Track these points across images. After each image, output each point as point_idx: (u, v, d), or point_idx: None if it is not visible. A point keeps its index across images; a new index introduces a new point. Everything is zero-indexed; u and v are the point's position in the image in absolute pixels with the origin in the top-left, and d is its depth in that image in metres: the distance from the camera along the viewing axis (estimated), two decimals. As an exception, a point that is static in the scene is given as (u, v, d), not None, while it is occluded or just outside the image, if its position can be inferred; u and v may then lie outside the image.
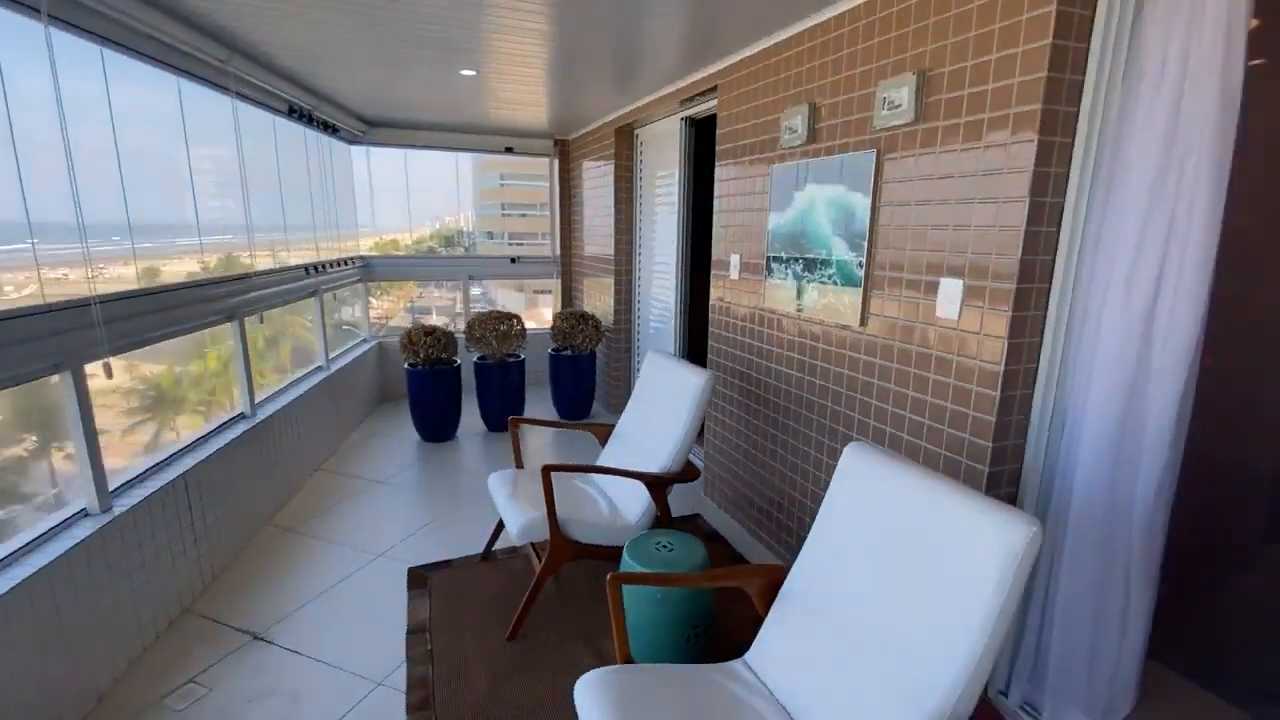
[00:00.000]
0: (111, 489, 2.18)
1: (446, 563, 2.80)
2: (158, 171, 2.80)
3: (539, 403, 5.21)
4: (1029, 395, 1.80)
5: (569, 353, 4.77)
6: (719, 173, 3.14)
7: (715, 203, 3.18)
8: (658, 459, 2.47)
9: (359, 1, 2.28)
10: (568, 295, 6.00)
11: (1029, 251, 1.69)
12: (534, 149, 5.60)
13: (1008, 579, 1.19)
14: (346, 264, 4.80)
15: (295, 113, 3.82)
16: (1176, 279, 1.56)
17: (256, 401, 3.23)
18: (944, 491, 1.40)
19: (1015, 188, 1.67)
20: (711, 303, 3.30)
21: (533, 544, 2.49)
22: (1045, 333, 1.76)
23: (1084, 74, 1.61)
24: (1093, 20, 1.58)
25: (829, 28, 2.30)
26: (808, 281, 2.48)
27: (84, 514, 2.07)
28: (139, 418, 2.86)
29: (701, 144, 3.90)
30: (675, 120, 3.85)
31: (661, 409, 2.60)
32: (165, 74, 2.63)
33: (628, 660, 1.57)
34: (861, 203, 2.17)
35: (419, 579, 2.67)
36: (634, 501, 2.46)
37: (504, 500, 2.47)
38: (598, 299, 5.20)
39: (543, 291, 7.05)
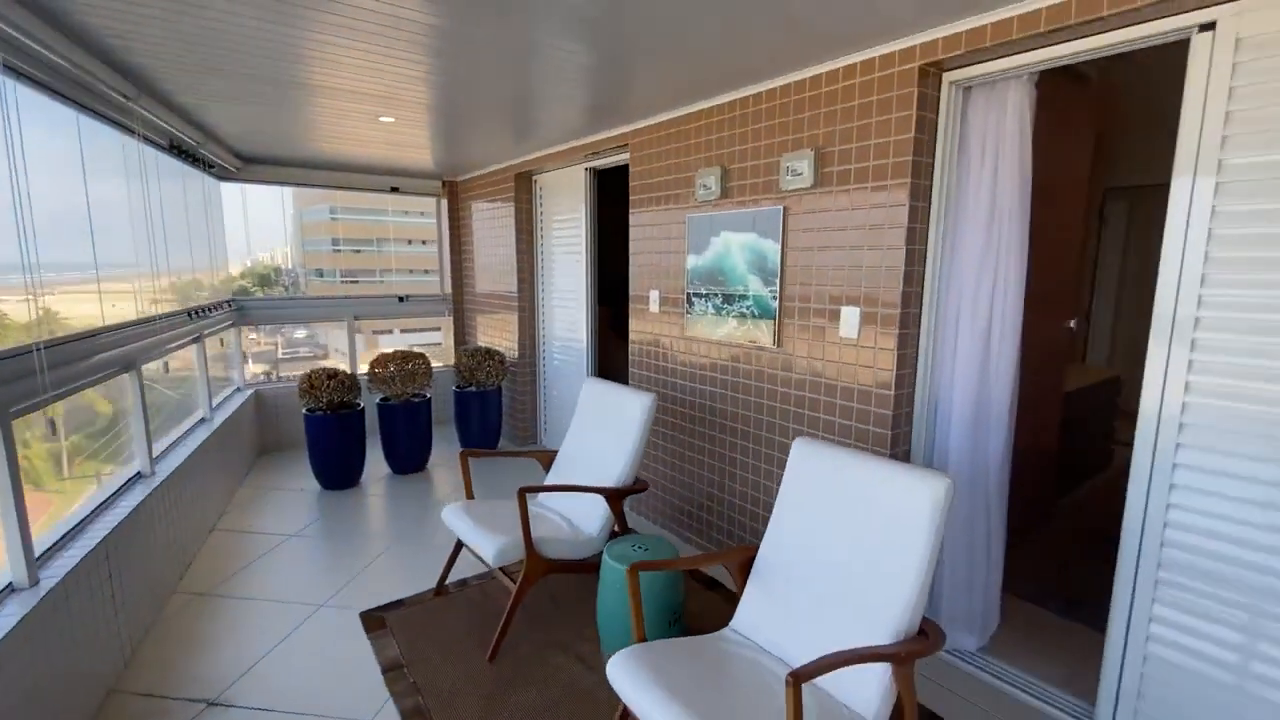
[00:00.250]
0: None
1: (399, 602, 2.78)
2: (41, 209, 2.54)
3: (443, 441, 5.16)
4: (912, 392, 2.37)
5: (474, 389, 4.83)
6: (634, 218, 3.53)
7: (631, 245, 3.56)
8: (612, 475, 2.73)
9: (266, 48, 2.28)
10: (461, 333, 6.01)
11: (907, 285, 2.26)
12: (422, 189, 5.63)
13: (937, 520, 1.65)
14: (218, 307, 4.46)
15: (176, 148, 3.59)
16: (1002, 305, 2.21)
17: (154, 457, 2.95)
18: (875, 464, 1.85)
19: (895, 239, 2.24)
20: (632, 334, 3.65)
21: (501, 568, 2.61)
22: (920, 345, 2.35)
23: (934, 156, 2.23)
24: (938, 118, 2.21)
25: (736, 107, 2.81)
26: (727, 313, 2.93)
27: (10, 589, 1.85)
28: None
29: (603, 190, 4.30)
30: (579, 170, 4.20)
31: (609, 430, 2.87)
32: (63, 108, 2.45)
33: (643, 639, 1.81)
34: (773, 248, 2.67)
35: (375, 621, 2.64)
36: (592, 517, 2.69)
37: (468, 529, 2.56)
38: (497, 335, 5.32)
39: (383, 332, 6.68)
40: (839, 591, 1.81)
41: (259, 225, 5.42)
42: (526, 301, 4.95)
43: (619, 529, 2.71)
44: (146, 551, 2.60)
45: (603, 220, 4.32)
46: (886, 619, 1.67)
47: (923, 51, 2.10)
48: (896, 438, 2.35)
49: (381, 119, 3.36)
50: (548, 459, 3.14)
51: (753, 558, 2.05)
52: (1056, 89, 2.54)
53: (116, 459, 2.88)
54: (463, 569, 3.05)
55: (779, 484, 2.76)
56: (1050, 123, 2.34)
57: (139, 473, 2.86)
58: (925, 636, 1.64)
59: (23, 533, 1.87)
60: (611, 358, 5.07)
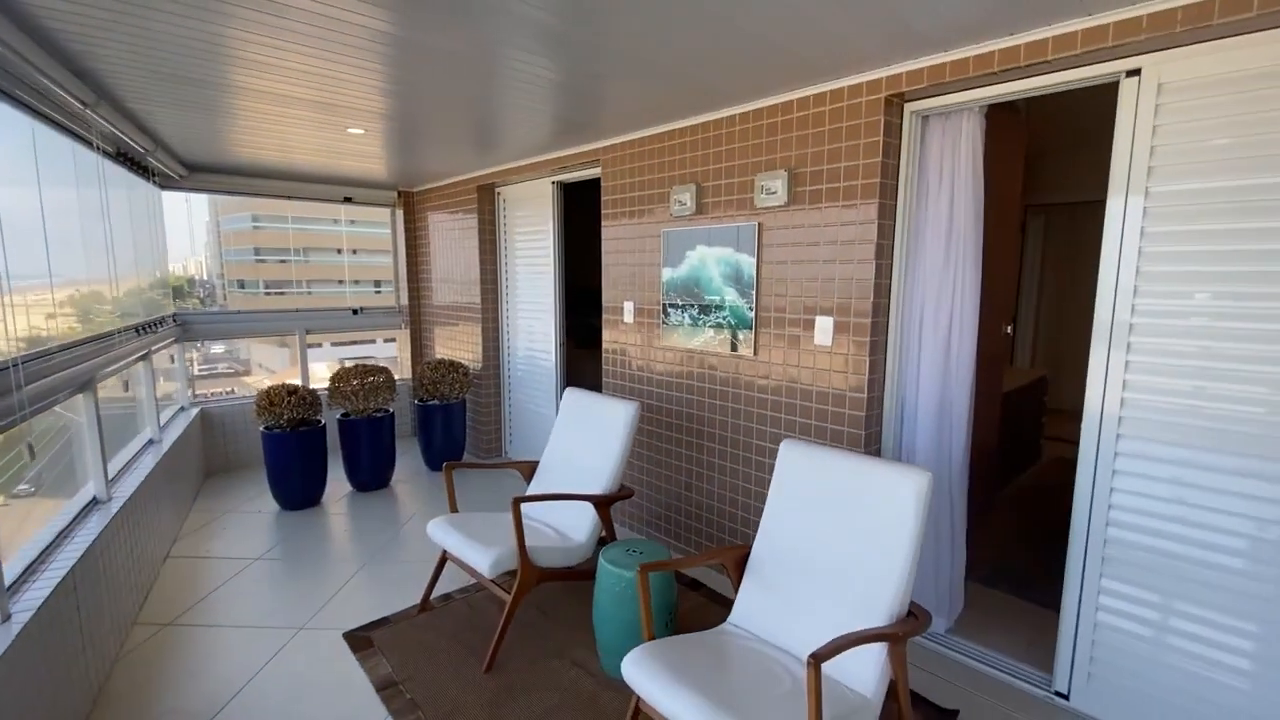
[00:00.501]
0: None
1: (384, 620, 2.74)
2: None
3: (405, 455, 5.05)
4: (882, 394, 2.56)
5: (437, 402, 4.76)
6: (606, 231, 3.62)
7: (604, 257, 3.64)
8: (599, 483, 2.79)
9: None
10: (418, 345, 5.90)
11: (876, 295, 2.45)
12: (376, 199, 5.52)
13: (921, 510, 1.82)
14: (161, 323, 4.24)
15: (123, 155, 3.42)
16: (960, 312, 2.43)
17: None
18: (859, 462, 2.01)
19: (865, 253, 2.43)
20: (605, 344, 3.72)
21: (493, 579, 2.62)
22: (889, 350, 2.54)
23: (897, 178, 2.44)
24: (901, 144, 2.42)
25: (711, 127, 2.95)
26: (704, 324, 3.06)
27: (-19, 627, 1.73)
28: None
29: (569, 200, 4.36)
30: (546, 184, 4.25)
31: (593, 439, 2.93)
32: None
33: (652, 638, 1.89)
34: (748, 261, 2.82)
35: (361, 641, 2.59)
36: (580, 525, 2.75)
37: (459, 542, 2.57)
38: (459, 347, 5.27)
39: (314, 346, 6.47)
40: (833, 581, 1.95)
41: (172, 232, 5.08)
42: (490, 313, 4.94)
43: (607, 535, 2.77)
44: (109, 581, 2.46)
45: (567, 231, 4.38)
46: (880, 603, 1.81)
47: (888, 84, 2.30)
48: (869, 437, 2.53)
49: (350, 130, 3.31)
50: (529, 469, 3.17)
51: (746, 555, 2.17)
52: (998, 118, 2.81)
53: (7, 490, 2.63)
54: (444, 584, 3.03)
55: (759, 485, 2.90)
56: (993, 149, 2.60)
57: (95, 498, 2.70)
58: (915, 617, 1.80)
59: (-5, 565, 1.76)
60: (575, 368, 5.11)
